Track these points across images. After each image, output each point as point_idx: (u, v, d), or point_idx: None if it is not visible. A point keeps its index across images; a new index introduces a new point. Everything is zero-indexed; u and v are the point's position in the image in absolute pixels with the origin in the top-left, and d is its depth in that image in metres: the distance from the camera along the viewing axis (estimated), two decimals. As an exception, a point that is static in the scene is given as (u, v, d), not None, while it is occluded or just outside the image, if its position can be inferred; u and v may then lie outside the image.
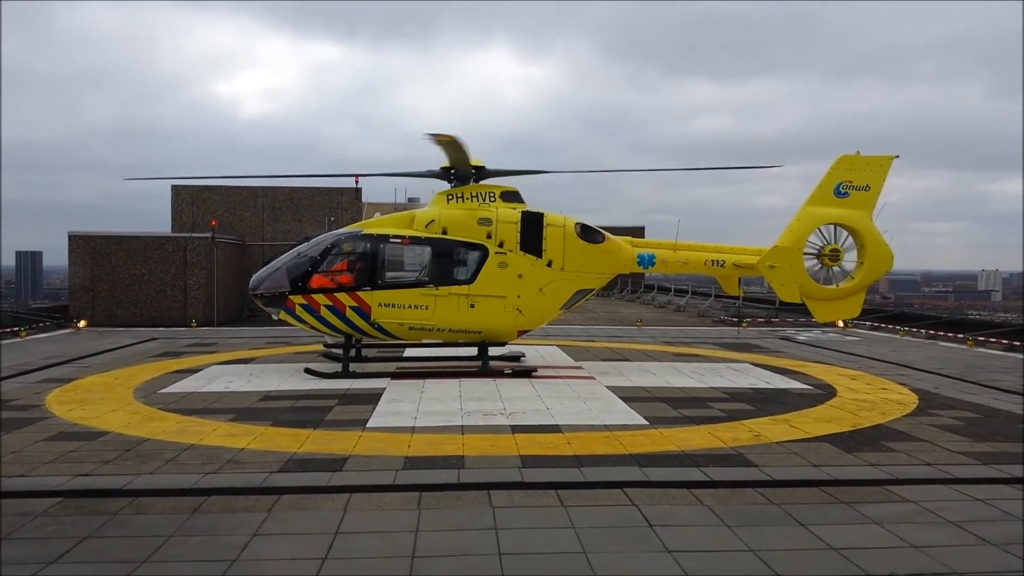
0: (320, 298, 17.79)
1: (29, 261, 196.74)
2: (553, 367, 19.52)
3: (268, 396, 15.38)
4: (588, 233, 18.97)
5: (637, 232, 44.30)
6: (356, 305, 17.78)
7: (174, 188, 38.18)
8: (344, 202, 38.26)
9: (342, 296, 17.79)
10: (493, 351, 18.78)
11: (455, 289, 18.00)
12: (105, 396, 15.18)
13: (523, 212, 18.58)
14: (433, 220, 18.41)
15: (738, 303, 35.99)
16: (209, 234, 31.53)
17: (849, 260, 19.66)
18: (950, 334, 27.68)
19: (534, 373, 18.12)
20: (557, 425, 12.84)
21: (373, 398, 15.06)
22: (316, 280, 17.85)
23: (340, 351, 18.36)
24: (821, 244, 19.59)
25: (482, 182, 19.07)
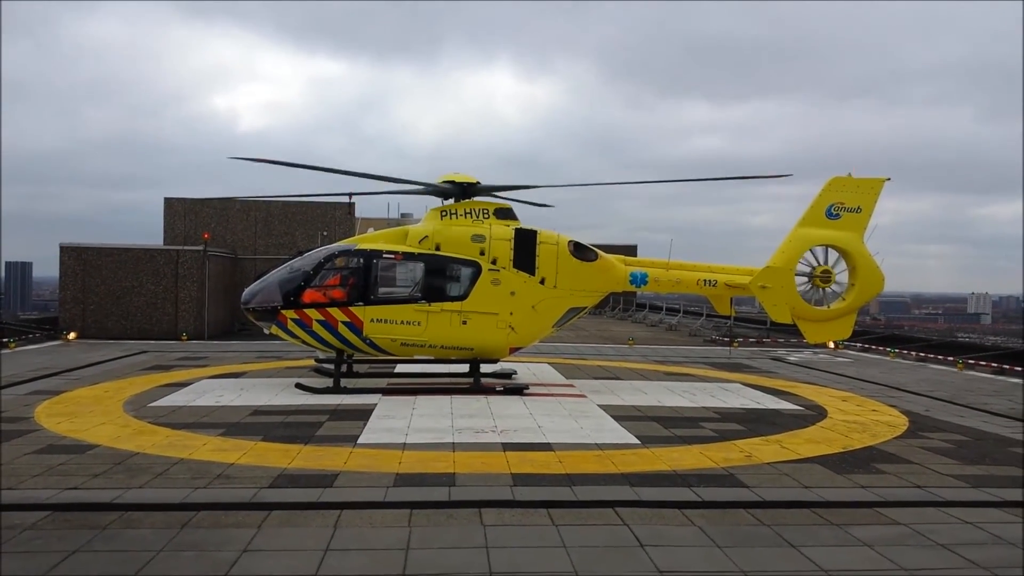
0: (312, 313, 17.78)
1: (18, 272, 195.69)
2: (545, 385, 19.51)
3: (258, 411, 15.32)
4: (581, 251, 19.02)
5: (629, 250, 44.34)
6: (348, 320, 17.76)
7: (167, 200, 38.14)
8: (337, 217, 38.26)
9: (334, 311, 17.77)
10: (485, 368, 18.79)
11: (447, 305, 18.01)
12: (94, 409, 15.10)
13: (516, 229, 18.62)
14: (426, 236, 18.44)
15: (729, 323, 36.05)
16: (201, 247, 31.46)
17: (840, 281, 19.75)
18: (940, 356, 27.79)
19: (526, 391, 18.10)
20: (549, 443, 12.82)
21: (364, 414, 15.02)
22: (308, 295, 17.84)
23: (331, 366, 18.31)
24: (813, 265, 19.68)
25: (475, 199, 19.14)
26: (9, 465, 10.84)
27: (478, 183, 19.04)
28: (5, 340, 26.24)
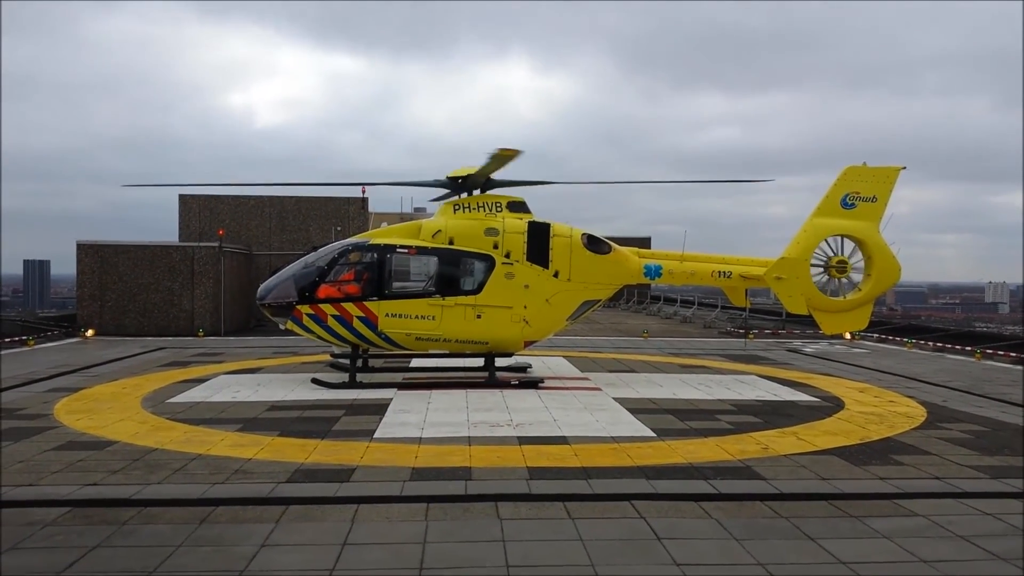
0: (327, 308, 17.81)
1: (37, 270, 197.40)
2: (560, 378, 19.50)
3: (275, 406, 15.40)
4: (595, 244, 18.98)
5: (643, 243, 44.28)
6: (363, 315, 17.81)
7: (182, 197, 38.33)
8: (351, 212, 38.35)
9: (349, 306, 17.82)
10: (500, 362, 18.79)
11: (462, 299, 18.01)
12: (113, 405, 15.22)
13: (530, 222, 18.60)
14: (440, 230, 18.45)
15: (745, 314, 35.91)
16: (216, 243, 31.61)
17: (856, 272, 19.63)
18: (958, 346, 27.58)
19: (541, 384, 18.11)
20: (564, 437, 12.83)
21: (380, 408, 15.08)
22: (323, 290, 17.88)
23: (347, 361, 18.38)
24: (828, 256, 19.55)
25: (488, 192, 19.12)
26: (29, 462, 10.95)
27: (490, 177, 19.02)
28: (25, 338, 26.49)
